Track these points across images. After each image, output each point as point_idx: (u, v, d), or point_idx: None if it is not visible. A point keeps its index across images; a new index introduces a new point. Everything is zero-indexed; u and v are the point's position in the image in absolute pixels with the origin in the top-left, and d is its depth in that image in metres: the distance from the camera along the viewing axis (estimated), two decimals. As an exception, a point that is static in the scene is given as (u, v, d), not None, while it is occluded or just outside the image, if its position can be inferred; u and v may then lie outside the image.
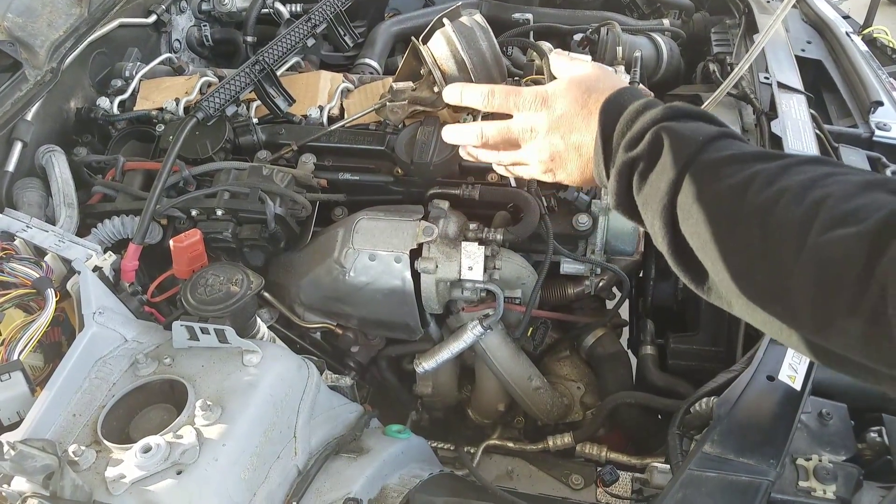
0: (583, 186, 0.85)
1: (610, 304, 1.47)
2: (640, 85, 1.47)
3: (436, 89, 1.25)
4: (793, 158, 0.60)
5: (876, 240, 0.49)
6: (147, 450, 0.85)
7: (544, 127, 0.81)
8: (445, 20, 1.21)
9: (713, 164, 0.63)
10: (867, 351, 0.51)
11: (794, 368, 1.01)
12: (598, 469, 1.18)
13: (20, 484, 0.84)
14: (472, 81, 1.22)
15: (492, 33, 1.23)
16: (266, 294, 1.32)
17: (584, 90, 0.79)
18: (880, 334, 0.48)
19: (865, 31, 2.39)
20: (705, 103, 1.19)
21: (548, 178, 0.85)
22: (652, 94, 0.85)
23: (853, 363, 0.55)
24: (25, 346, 1.00)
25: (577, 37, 1.81)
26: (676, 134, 0.66)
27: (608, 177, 0.73)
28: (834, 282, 0.51)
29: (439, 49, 1.21)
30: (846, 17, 1.97)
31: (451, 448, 1.34)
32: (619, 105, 0.74)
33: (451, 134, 0.95)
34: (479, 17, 1.24)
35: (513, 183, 1.30)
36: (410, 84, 1.31)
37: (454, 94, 0.92)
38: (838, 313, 0.51)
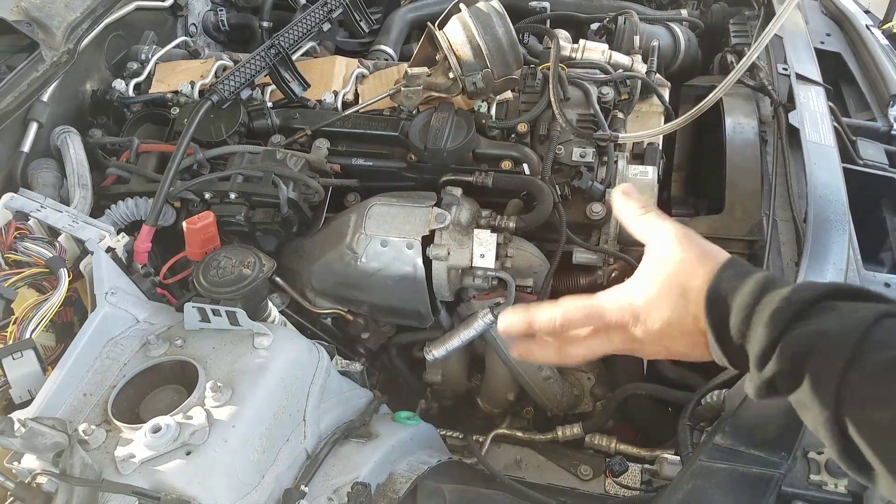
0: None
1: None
2: (657, 74, 1.45)
3: (451, 75, 1.24)
4: None
5: None
6: (157, 430, 0.85)
7: (642, 340, 0.67)
8: (462, 5, 1.20)
9: (879, 365, 0.52)
10: None
11: (808, 363, 1.00)
12: (608, 460, 1.18)
13: (30, 461, 0.84)
14: (487, 67, 1.21)
15: (508, 19, 1.21)
16: (278, 279, 1.32)
17: (680, 291, 0.65)
18: None
19: (886, 26, 2.35)
20: (717, 88, 1.17)
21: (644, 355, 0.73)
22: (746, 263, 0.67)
23: None
24: (38, 325, 1.01)
25: (594, 26, 1.79)
26: (820, 338, 0.54)
27: (744, 383, 0.62)
28: None
29: (455, 34, 1.20)
30: (867, 11, 1.94)
31: (460, 436, 1.34)
32: (724, 301, 0.61)
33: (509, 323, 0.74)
34: (495, 3, 1.22)
35: (527, 170, 1.29)
36: (426, 70, 1.31)
37: (515, 322, 0.73)
38: None
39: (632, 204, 0.73)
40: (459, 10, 1.20)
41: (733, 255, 0.66)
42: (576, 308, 0.70)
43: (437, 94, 1.30)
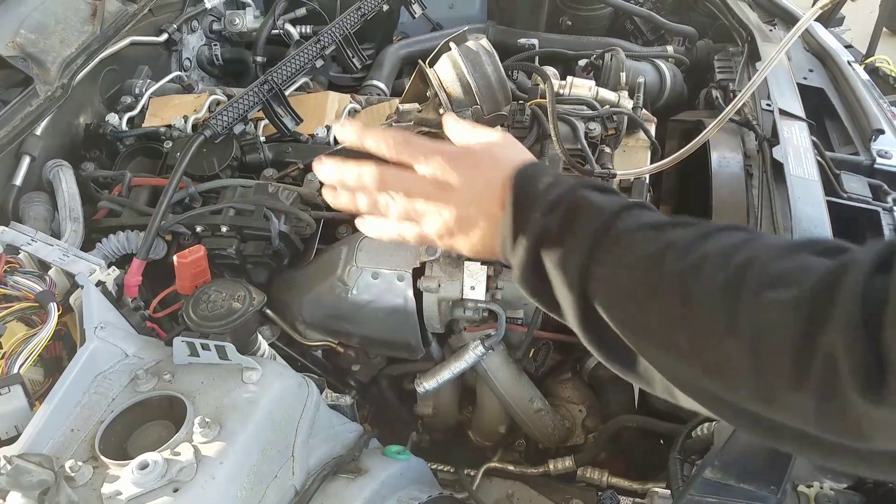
0: (472, 256, 0.77)
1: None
2: (643, 110, 1.49)
3: (441, 111, 1.27)
4: (710, 225, 0.58)
5: (814, 307, 0.46)
6: (144, 466, 0.84)
7: (455, 187, 0.71)
8: (452, 44, 1.23)
9: (628, 231, 0.59)
10: (822, 427, 0.47)
11: (797, 395, 1.00)
12: (599, 494, 1.17)
13: (15, 499, 0.83)
14: (476, 104, 1.24)
15: (497, 58, 1.24)
16: (268, 311, 1.32)
17: (495, 159, 0.72)
18: (835, 411, 0.45)
19: (868, 61, 2.41)
20: (708, 128, 1.20)
21: (440, 242, 0.74)
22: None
23: (802, 437, 0.51)
24: (26, 360, 1.00)
25: (582, 62, 1.83)
26: (591, 203, 0.63)
27: (514, 248, 0.67)
28: (772, 352, 0.47)
29: (445, 72, 1.22)
30: (848, 47, 1.99)
31: (451, 470, 1.33)
32: (533, 176, 0.69)
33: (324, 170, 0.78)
34: (485, 42, 1.25)
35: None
36: (417, 106, 1.33)
37: (347, 133, 0.78)
38: (780, 387, 0.47)
39: (462, 125, 0.79)
40: (449, 49, 1.22)
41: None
42: (397, 140, 0.74)
43: (427, 130, 1.32)
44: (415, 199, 0.73)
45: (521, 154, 0.75)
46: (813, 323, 0.45)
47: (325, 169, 0.78)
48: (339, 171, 0.76)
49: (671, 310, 0.54)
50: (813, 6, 1.20)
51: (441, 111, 1.26)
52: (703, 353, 0.53)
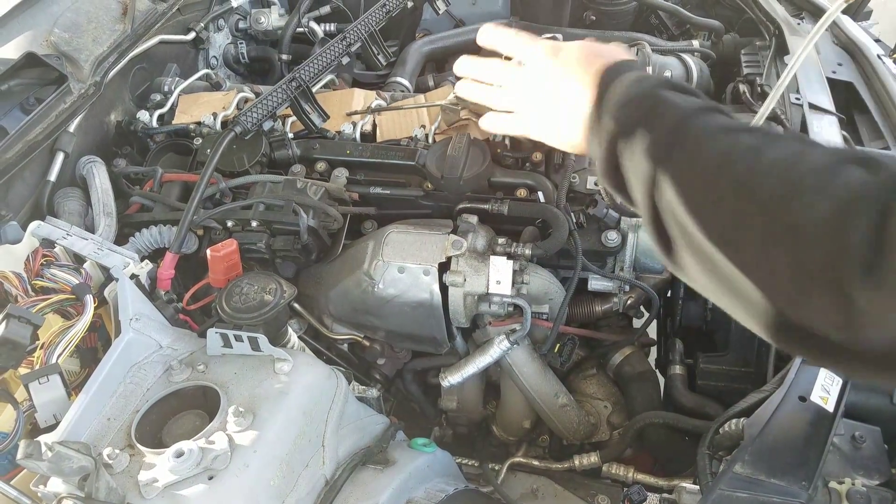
0: (567, 150, 0.84)
1: (637, 323, 1.46)
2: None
3: None
4: (772, 134, 0.61)
5: (853, 214, 0.50)
6: (180, 454, 0.86)
7: (548, 74, 0.81)
8: None
9: (700, 133, 0.62)
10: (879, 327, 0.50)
11: (826, 389, 0.99)
12: (626, 489, 1.17)
13: (56, 485, 0.86)
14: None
15: None
16: (296, 305, 1.34)
17: (594, 53, 0.78)
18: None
19: (897, 55, 2.37)
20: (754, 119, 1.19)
21: (534, 133, 0.85)
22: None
23: (829, 347, 0.54)
24: (64, 351, 1.03)
25: (607, 57, 1.82)
26: (668, 100, 0.66)
27: (595, 142, 0.72)
28: (821, 253, 0.51)
29: None
30: (877, 41, 1.96)
31: (476, 464, 1.33)
32: (618, 72, 0.74)
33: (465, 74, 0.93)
34: None
35: (542, 198, 1.31)
36: None
37: (483, 35, 0.90)
38: (850, 280, 0.50)
39: (502, 30, 0.88)
40: None
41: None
42: (520, 38, 0.86)
43: (473, 120, 1.35)
44: (515, 91, 0.85)
45: (612, 51, 0.80)
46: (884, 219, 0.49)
47: (462, 63, 0.92)
48: (470, 65, 0.91)
49: (735, 211, 0.57)
50: None
51: None
52: (757, 257, 0.56)
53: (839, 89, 1.62)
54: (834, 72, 1.69)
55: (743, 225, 0.57)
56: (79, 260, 1.17)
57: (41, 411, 0.98)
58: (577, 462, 1.29)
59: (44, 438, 0.90)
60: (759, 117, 1.06)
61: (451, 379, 1.32)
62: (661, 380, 1.43)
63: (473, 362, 1.30)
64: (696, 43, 1.89)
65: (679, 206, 0.61)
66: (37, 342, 1.03)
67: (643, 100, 0.68)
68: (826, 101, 1.52)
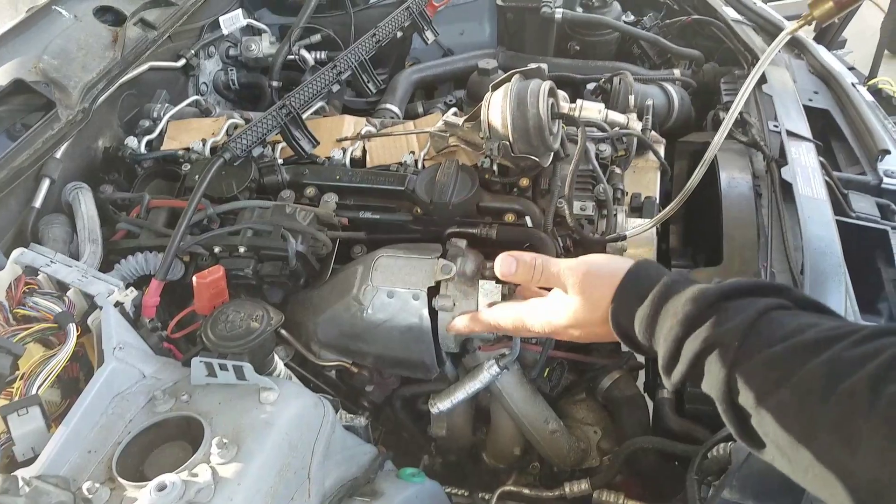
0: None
1: (626, 347, 1.46)
2: (652, 132, 1.50)
3: (480, 135, 1.30)
4: (847, 341, 0.61)
5: None
6: (162, 488, 0.84)
7: (563, 324, 0.90)
8: (517, 76, 1.27)
9: (756, 370, 0.64)
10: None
11: (815, 415, 1.00)
12: (616, 516, 1.16)
13: (34, 520, 0.83)
14: (508, 140, 1.26)
15: (546, 104, 1.26)
16: (283, 331, 1.33)
17: (592, 307, 0.85)
18: None
19: (871, 82, 2.44)
20: (711, 143, 1.22)
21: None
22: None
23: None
24: (44, 381, 1.01)
25: (591, 86, 1.86)
26: (706, 349, 0.68)
27: (654, 342, 0.77)
28: None
29: (496, 100, 1.26)
30: (851, 69, 2.01)
31: (466, 494, 1.31)
32: (627, 316, 0.80)
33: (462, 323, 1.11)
34: (545, 86, 1.28)
35: (529, 223, 1.32)
36: (460, 120, 1.37)
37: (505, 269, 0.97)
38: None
39: (523, 262, 0.94)
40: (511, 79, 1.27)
41: (631, 267, 0.82)
42: (506, 318, 1.01)
43: (461, 147, 1.36)
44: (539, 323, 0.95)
45: (616, 262, 0.86)
46: None
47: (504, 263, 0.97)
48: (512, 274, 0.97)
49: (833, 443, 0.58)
50: (800, 22, 1.23)
51: (480, 135, 1.29)
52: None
53: (816, 116, 1.66)
54: (810, 99, 1.73)
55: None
56: (62, 288, 1.16)
57: (19, 444, 0.96)
58: (567, 490, 1.28)
59: (21, 473, 0.88)
60: (721, 134, 1.14)
61: (440, 405, 1.31)
62: (650, 403, 1.42)
63: (463, 388, 1.30)
64: (677, 72, 1.93)
65: (763, 426, 0.64)
66: (17, 372, 1.01)
67: (682, 354, 0.70)
68: (803, 128, 1.55)
